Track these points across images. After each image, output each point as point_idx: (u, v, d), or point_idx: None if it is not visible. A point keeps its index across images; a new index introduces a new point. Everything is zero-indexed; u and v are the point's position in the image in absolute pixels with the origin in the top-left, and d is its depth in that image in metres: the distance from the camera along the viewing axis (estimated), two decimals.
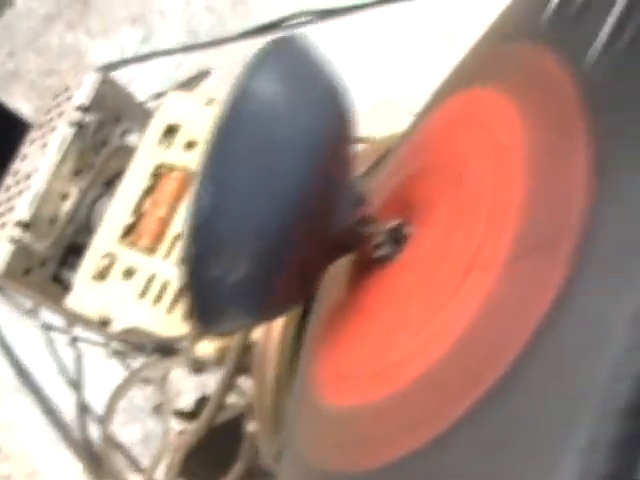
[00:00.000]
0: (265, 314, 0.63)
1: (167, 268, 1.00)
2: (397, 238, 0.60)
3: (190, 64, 1.63)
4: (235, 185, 0.51)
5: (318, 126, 0.54)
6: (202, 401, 1.08)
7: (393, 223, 0.61)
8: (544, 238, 0.49)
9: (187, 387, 1.48)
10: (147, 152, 1.07)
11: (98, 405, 1.07)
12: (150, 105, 1.26)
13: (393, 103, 1.37)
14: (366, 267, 0.62)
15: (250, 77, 0.53)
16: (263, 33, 1.31)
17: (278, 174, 0.52)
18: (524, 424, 0.44)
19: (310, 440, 0.61)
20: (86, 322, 1.05)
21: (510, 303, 0.49)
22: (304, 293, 0.63)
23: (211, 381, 1.25)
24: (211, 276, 0.53)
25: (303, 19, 1.31)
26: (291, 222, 0.53)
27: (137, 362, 1.17)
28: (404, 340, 0.54)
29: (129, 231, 1.05)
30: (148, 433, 1.57)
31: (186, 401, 1.17)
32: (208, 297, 0.54)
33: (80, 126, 1.12)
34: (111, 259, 1.04)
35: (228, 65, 1.49)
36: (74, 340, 1.14)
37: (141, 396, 1.43)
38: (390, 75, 1.41)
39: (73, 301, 1.05)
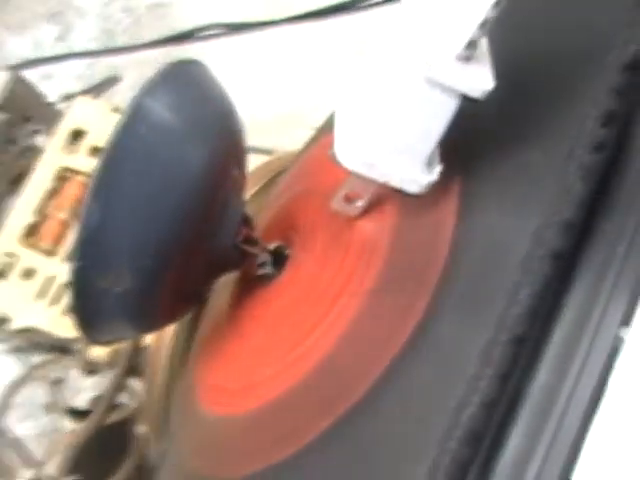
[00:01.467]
0: (148, 326, 0.66)
1: (66, 271, 1.01)
2: (279, 259, 0.64)
3: (103, 64, 1.63)
4: (120, 204, 0.54)
5: (203, 151, 0.57)
6: (98, 400, 1.09)
7: (274, 244, 0.64)
8: (411, 270, 0.52)
9: (85, 386, 1.49)
10: (53, 155, 1.09)
11: None
12: (60, 106, 1.27)
13: (298, 116, 1.39)
14: (249, 284, 0.66)
15: (143, 98, 0.56)
16: (175, 42, 1.33)
17: (160, 196, 0.55)
18: (377, 442, 0.48)
19: (188, 443, 0.64)
20: None
21: (372, 330, 0.52)
22: (189, 306, 0.66)
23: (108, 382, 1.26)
24: (96, 288, 0.56)
25: (215, 31, 1.33)
26: (170, 243, 0.56)
27: (36, 359, 1.18)
28: (274, 359, 0.57)
29: (31, 232, 1.06)
30: (44, 429, 1.57)
31: (83, 399, 1.18)
32: (92, 308, 0.57)
33: None
34: (11, 259, 1.05)
35: (139, 70, 1.51)
36: None
37: (41, 393, 1.43)
38: (297, 88, 1.44)
39: None
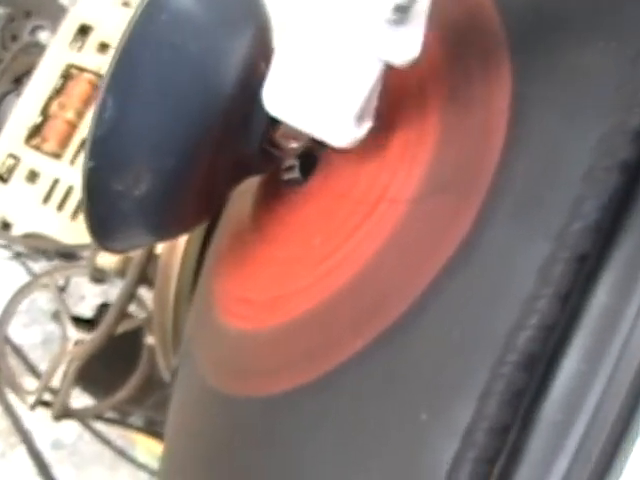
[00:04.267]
0: (166, 233, 0.62)
1: (72, 174, 0.97)
2: (307, 162, 0.59)
3: None
4: (139, 98, 0.49)
5: (232, 43, 0.52)
6: (103, 308, 1.06)
7: (303, 147, 0.59)
8: (456, 177, 0.48)
9: (90, 293, 1.46)
10: (58, 51, 1.03)
11: None
12: (64, 2, 1.21)
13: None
14: (274, 190, 0.61)
15: None
16: None
17: (184, 89, 0.50)
18: (418, 366, 0.44)
19: (207, 359, 0.60)
20: None
21: (414, 242, 0.48)
22: (208, 213, 0.61)
23: (114, 290, 1.23)
24: (111, 191, 0.51)
25: None
26: (197, 139, 0.51)
27: (39, 266, 1.15)
28: (304, 269, 0.53)
29: (35, 133, 1.01)
30: (48, 336, 1.56)
31: (88, 307, 1.15)
32: (107, 213, 0.53)
33: None
34: (15, 161, 1.01)
35: None
36: None
37: (44, 299, 1.41)
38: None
39: None
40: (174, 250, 0.88)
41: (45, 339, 1.58)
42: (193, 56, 0.51)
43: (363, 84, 0.49)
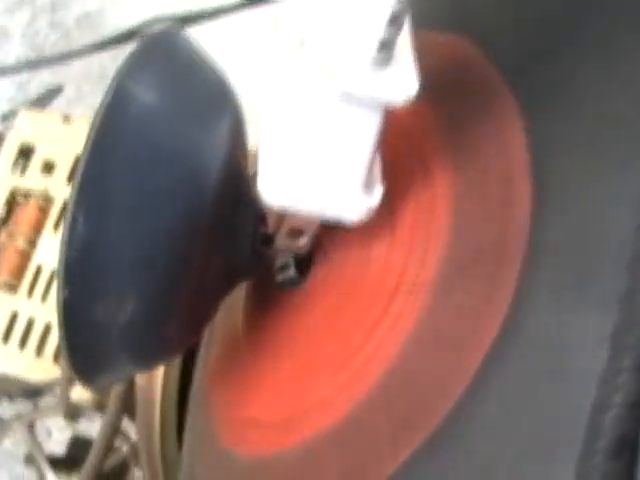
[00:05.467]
0: (155, 360, 0.55)
1: (31, 306, 0.90)
2: (301, 261, 0.53)
3: (36, 83, 1.52)
4: (116, 209, 0.43)
5: (210, 136, 0.47)
6: (75, 442, 0.99)
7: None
8: (484, 251, 0.43)
9: (56, 427, 1.38)
10: (0, 179, 0.97)
11: None
12: None
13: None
14: (267, 293, 0.55)
15: (125, 80, 0.45)
16: (117, 44, 1.22)
17: (164, 193, 0.44)
18: (480, 469, 0.38)
19: None
20: None
21: (448, 329, 0.42)
22: (198, 330, 0.54)
23: (82, 421, 1.15)
24: (93, 320, 0.44)
25: (160, 26, 1.22)
26: (182, 249, 0.45)
27: (1, 408, 1.07)
28: (319, 381, 0.47)
29: None
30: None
31: (57, 443, 1.07)
32: (90, 345, 0.46)
33: None
34: None
35: (80, 81, 1.39)
36: None
37: (8, 441, 1.32)
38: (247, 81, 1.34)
39: None
40: (153, 374, 0.81)
41: None
42: (170, 154, 0.45)
43: (364, 143, 0.44)
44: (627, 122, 0.41)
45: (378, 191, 0.46)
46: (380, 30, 0.41)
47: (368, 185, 0.46)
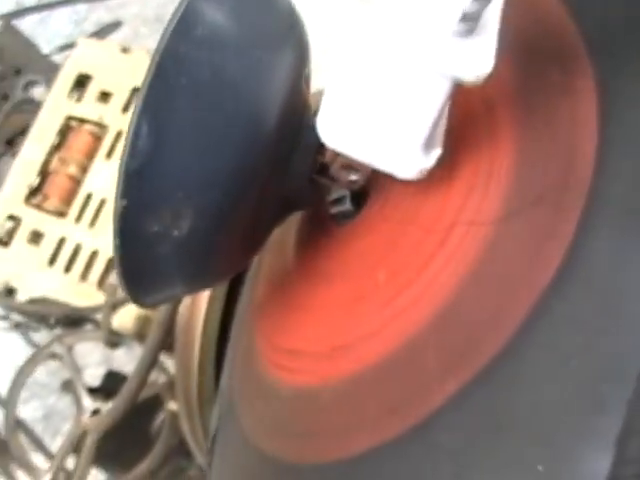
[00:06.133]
0: (205, 281, 0.55)
1: (79, 232, 0.91)
2: (359, 192, 0.52)
3: (93, 20, 1.52)
4: (179, 123, 0.43)
5: (275, 61, 0.46)
6: (110, 376, 0.99)
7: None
8: (545, 189, 0.42)
9: (92, 361, 1.39)
10: (55, 105, 0.98)
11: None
12: (56, 58, 1.16)
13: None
14: (321, 226, 0.55)
15: (195, 2, 0.44)
16: None
17: (229, 112, 0.44)
18: (529, 407, 0.37)
19: (257, 423, 0.53)
20: None
21: (505, 267, 0.41)
22: (249, 256, 0.54)
23: (117, 355, 1.16)
24: (147, 233, 0.44)
25: None
26: (243, 169, 0.45)
27: (39, 336, 1.08)
28: (369, 311, 0.47)
29: (35, 191, 0.95)
30: (50, 410, 1.48)
31: (91, 378, 1.08)
32: (143, 258, 0.46)
33: None
34: (15, 222, 0.94)
35: (137, 23, 1.39)
36: None
37: (43, 371, 1.34)
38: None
39: None
40: (195, 309, 0.81)
41: (46, 414, 1.51)
42: (234, 76, 0.44)
43: (430, 108, 0.43)
44: None
45: (435, 153, 0.45)
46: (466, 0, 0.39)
47: (427, 146, 0.45)
